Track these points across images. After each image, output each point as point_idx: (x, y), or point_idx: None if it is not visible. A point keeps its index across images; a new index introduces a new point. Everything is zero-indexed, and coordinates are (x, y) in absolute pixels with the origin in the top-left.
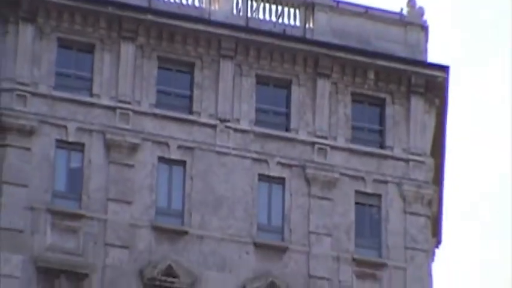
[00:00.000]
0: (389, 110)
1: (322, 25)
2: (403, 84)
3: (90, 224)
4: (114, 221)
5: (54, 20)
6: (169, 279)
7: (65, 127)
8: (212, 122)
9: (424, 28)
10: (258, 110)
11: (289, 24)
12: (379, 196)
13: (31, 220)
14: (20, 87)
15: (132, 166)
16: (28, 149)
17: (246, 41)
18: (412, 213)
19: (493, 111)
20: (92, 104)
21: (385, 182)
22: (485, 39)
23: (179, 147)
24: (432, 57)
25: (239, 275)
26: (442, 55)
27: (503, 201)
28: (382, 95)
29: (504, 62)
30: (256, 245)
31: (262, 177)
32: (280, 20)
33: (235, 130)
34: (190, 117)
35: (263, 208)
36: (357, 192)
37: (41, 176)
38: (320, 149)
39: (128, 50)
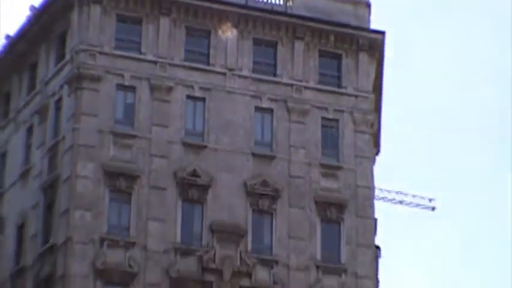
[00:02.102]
0: (344, 62)
1: (299, 3)
2: (354, 44)
3: (140, 142)
4: (156, 139)
5: (113, 2)
6: (194, 178)
7: (122, 75)
8: (223, 70)
9: (368, 5)
10: (254, 62)
11: (275, 3)
12: (337, 120)
13: (99, 139)
14: (91, 48)
15: (168, 101)
16: (97, 91)
17: (246, 15)
18: (360, 132)
19: (419, 61)
20: (140, 59)
21: (342, 111)
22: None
23: (200, 88)
24: (374, 25)
25: (242, 175)
26: (381, 24)
27: (427, 120)
28: (339, 52)
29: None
30: (254, 155)
31: (257, 109)
32: (269, 1)
33: (239, 76)
34: (208, 67)
35: (258, 129)
36: (322, 118)
37: (106, 109)
38: (297, 88)
39: (164, 22)
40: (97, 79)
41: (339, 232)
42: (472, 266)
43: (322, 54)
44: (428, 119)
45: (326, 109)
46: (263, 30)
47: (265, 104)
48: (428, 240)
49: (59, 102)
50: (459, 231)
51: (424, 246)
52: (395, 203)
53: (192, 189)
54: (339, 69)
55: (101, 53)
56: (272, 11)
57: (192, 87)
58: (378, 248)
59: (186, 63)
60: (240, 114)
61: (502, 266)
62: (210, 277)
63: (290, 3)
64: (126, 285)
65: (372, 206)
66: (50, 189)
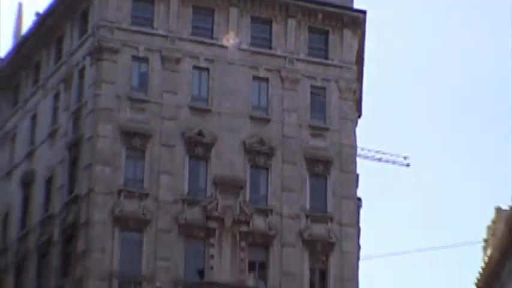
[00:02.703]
0: (330, 37)
1: None
2: (339, 22)
3: (152, 105)
4: (167, 103)
5: None
6: (199, 137)
7: (137, 48)
8: (225, 44)
9: None
10: (252, 37)
11: None
12: (324, 88)
13: (117, 103)
14: (110, 24)
15: (177, 71)
16: (115, 61)
17: None
18: (344, 98)
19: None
20: (153, 34)
21: (328, 80)
22: None
23: (205, 59)
24: (356, 5)
25: (241, 135)
26: (363, 4)
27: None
28: (326, 28)
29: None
30: (251, 118)
31: (255, 78)
32: None
33: (239, 49)
34: (212, 41)
35: (255, 96)
36: (311, 86)
37: (123, 77)
38: (289, 60)
39: (174, 1)
40: (115, 51)
41: (325, 185)
42: (441, 215)
43: (311, 30)
44: (404, 86)
45: (314, 78)
46: (260, 9)
47: (261, 74)
48: (403, 192)
49: (82, 71)
50: (431, 184)
51: (400, 197)
52: (375, 160)
53: (198, 147)
54: (326, 44)
55: (118, 28)
56: None
57: (197, 58)
58: (359, 199)
59: (193, 38)
60: (240, 83)
61: (470, 213)
62: (213, 224)
63: None
64: (140, 231)
65: (354, 163)
66: (74, 147)
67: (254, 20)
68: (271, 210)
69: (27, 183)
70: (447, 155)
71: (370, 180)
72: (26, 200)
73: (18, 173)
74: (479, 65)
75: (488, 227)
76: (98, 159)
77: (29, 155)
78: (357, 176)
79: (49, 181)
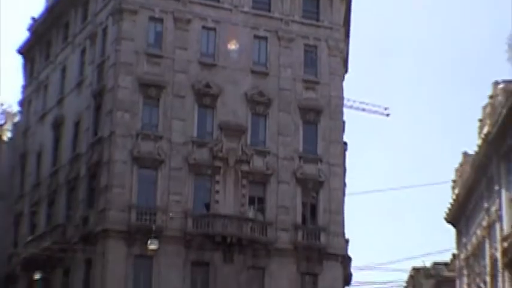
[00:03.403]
0: (321, 2)
1: None
2: None
3: (166, 60)
4: (178, 58)
5: None
6: (207, 89)
7: (153, 10)
8: (230, 7)
9: None
10: (253, 1)
11: None
12: (316, 47)
13: (136, 58)
14: None
15: (187, 30)
16: (134, 21)
17: None
18: (333, 56)
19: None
20: None
21: (319, 39)
22: None
23: (212, 20)
24: None
25: (243, 87)
26: None
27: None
28: None
29: None
30: (252, 72)
31: (255, 37)
32: None
33: (242, 12)
34: (218, 4)
35: (255, 53)
36: (305, 44)
37: (141, 35)
38: (285, 22)
39: None
40: (134, 12)
41: (316, 131)
42: (416, 158)
43: None
44: (385, 46)
45: (307, 38)
46: None
47: (261, 34)
48: (383, 138)
49: (105, 29)
50: (407, 131)
51: (380, 142)
52: (359, 110)
53: (205, 97)
54: (317, 7)
55: None
56: None
57: (206, 19)
58: (345, 143)
59: (202, 1)
60: (242, 41)
61: (440, 157)
62: (218, 163)
63: None
64: (155, 169)
65: (341, 112)
66: (98, 95)
67: None
68: (269, 152)
69: (57, 126)
70: (422, 107)
71: (355, 127)
72: (57, 141)
73: (50, 118)
74: (458, 27)
75: (456, 170)
76: (118, 106)
77: (59, 102)
78: (343, 123)
79: (76, 125)
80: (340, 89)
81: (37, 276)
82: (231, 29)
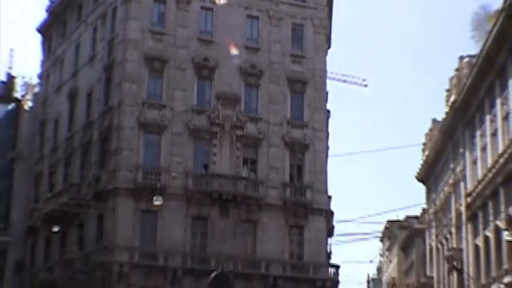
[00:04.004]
0: None
1: None
2: None
3: (168, 36)
4: (180, 35)
5: None
6: (205, 62)
7: None
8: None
9: None
10: None
11: None
12: (302, 25)
13: (141, 35)
14: None
15: (188, 11)
16: (140, 2)
17: None
18: (317, 33)
19: None
20: None
21: (305, 19)
22: None
23: (210, 1)
24: None
25: (238, 60)
26: None
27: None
28: None
29: None
30: (246, 47)
31: (248, 16)
32: None
33: None
34: None
35: (248, 30)
36: (292, 23)
37: (146, 15)
38: (275, 2)
39: None
40: None
41: (302, 100)
42: (390, 124)
43: None
44: (364, 24)
45: (295, 17)
46: None
47: (254, 13)
48: (361, 106)
49: (114, 10)
50: (383, 100)
51: (358, 110)
52: (340, 81)
53: (204, 70)
54: None
55: None
56: None
57: (204, 0)
58: (328, 111)
59: None
60: (237, 20)
61: (412, 123)
62: (215, 129)
63: None
64: (159, 133)
65: (324, 83)
66: (109, 68)
67: None
68: (260, 119)
69: (72, 96)
70: (397, 79)
71: (337, 97)
72: (72, 110)
73: (65, 89)
74: (431, 7)
75: (426, 134)
76: (126, 78)
77: (74, 75)
78: (326, 93)
79: (89, 95)
80: (324, 63)
81: (55, 229)
82: (227, 9)
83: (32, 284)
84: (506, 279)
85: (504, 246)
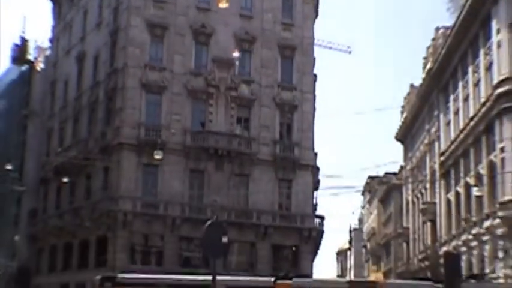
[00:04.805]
0: None
1: None
2: None
3: (169, 4)
4: (180, 4)
5: None
6: (202, 29)
7: None
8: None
9: None
10: None
11: None
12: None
13: (144, 2)
14: None
15: None
16: None
17: None
18: (306, 3)
19: None
20: None
21: None
22: None
23: None
24: None
25: (233, 28)
26: None
27: None
28: None
29: None
30: (240, 15)
31: None
32: None
33: None
34: None
35: (243, 0)
36: None
37: None
38: None
39: None
40: None
41: (291, 64)
42: (372, 88)
43: None
44: None
45: None
46: None
47: None
48: (345, 70)
49: None
50: (366, 65)
51: (343, 74)
52: (326, 48)
53: (201, 36)
54: None
55: None
56: None
57: None
58: (315, 75)
59: None
60: None
61: (392, 87)
62: (211, 90)
63: None
64: (160, 94)
65: (312, 49)
66: (114, 34)
67: None
68: (253, 81)
69: (80, 59)
70: (379, 47)
71: (323, 62)
72: (80, 72)
73: (74, 52)
74: None
75: (405, 98)
76: (130, 43)
77: (82, 39)
78: (314, 59)
79: (96, 58)
80: (312, 31)
81: (65, 180)
82: None
83: (44, 229)
84: (474, 231)
85: (473, 200)
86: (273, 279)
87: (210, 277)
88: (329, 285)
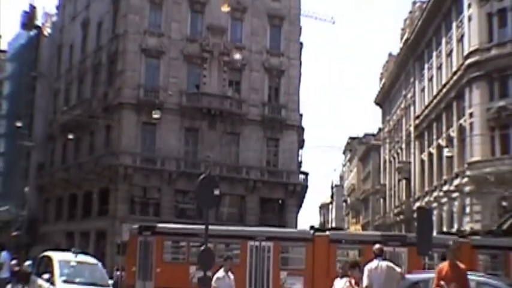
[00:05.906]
0: None
1: None
2: None
3: None
4: None
5: None
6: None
7: None
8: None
9: None
10: None
11: None
12: None
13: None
14: None
15: None
16: None
17: None
18: None
19: None
20: None
21: None
22: None
23: None
24: None
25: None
26: None
27: None
28: None
29: None
30: None
31: None
32: None
33: None
34: None
35: None
36: None
37: None
38: None
39: None
40: None
41: (280, 33)
42: (353, 56)
43: None
44: None
45: None
46: None
47: None
48: (329, 38)
49: None
50: (348, 35)
51: (326, 42)
52: (312, 18)
53: (197, 4)
54: None
55: None
56: None
57: None
58: (301, 43)
59: None
60: None
61: (371, 55)
62: (206, 55)
63: None
64: (158, 58)
65: (298, 19)
66: (116, 2)
67: None
68: (244, 47)
69: (85, 25)
70: (360, 18)
71: (309, 31)
72: (85, 37)
73: (79, 19)
74: None
75: (383, 65)
76: (130, 10)
77: (87, 7)
78: (300, 28)
79: (99, 24)
80: (299, 2)
81: (70, 136)
82: None
83: (51, 182)
84: (445, 188)
85: (444, 160)
86: (311, 231)
87: (250, 228)
88: (363, 237)
